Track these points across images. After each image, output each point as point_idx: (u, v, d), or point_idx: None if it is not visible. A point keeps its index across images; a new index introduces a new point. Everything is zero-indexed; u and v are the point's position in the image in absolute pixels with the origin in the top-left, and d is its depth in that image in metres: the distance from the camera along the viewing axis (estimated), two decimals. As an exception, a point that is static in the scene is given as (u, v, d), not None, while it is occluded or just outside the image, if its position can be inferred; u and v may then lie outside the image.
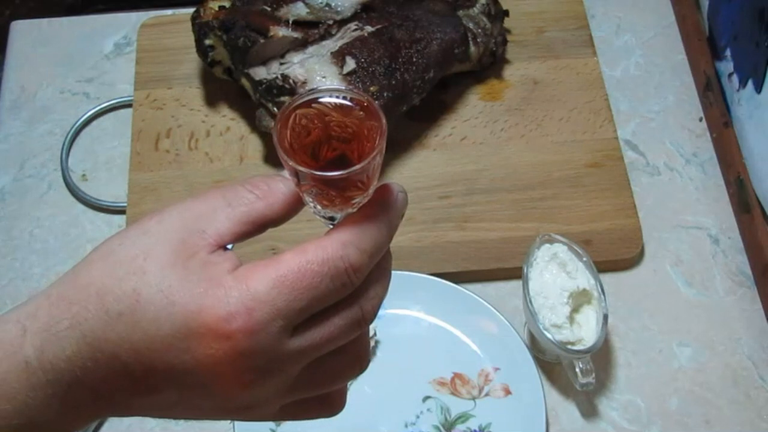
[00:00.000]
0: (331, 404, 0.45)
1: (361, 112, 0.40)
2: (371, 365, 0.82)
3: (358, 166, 0.38)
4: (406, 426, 0.76)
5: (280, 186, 0.42)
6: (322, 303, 0.39)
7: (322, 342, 0.39)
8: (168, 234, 0.39)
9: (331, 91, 0.41)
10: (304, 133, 0.40)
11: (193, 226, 0.40)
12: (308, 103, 0.40)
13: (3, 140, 0.95)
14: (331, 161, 0.40)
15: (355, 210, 0.41)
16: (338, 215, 0.41)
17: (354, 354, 0.42)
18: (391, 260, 0.43)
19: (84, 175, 0.92)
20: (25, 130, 0.95)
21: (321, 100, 0.40)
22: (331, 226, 0.42)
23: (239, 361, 0.37)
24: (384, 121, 0.40)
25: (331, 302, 0.39)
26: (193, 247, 0.39)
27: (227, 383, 0.38)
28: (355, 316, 0.40)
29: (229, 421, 0.76)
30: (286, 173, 0.41)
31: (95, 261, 0.40)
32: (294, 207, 0.42)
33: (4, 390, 0.38)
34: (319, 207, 0.41)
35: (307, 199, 0.41)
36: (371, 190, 0.41)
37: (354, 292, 0.40)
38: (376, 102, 0.40)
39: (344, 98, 0.40)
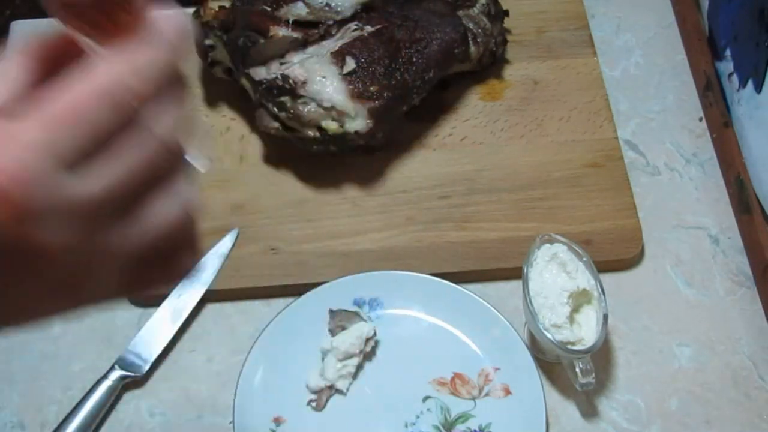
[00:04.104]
0: (174, 266, 0.40)
1: None
2: (371, 365, 0.82)
3: None
4: (406, 426, 0.76)
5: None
6: (102, 135, 0.34)
7: (119, 178, 0.35)
8: None
9: None
10: None
11: None
12: None
13: (3, 140, 0.94)
14: None
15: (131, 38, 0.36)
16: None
17: (171, 191, 0.37)
18: (184, 82, 0.38)
19: (84, 175, 0.92)
20: (25, 130, 0.95)
21: None
22: None
23: (25, 221, 0.32)
24: None
25: (114, 132, 0.34)
26: None
27: (26, 253, 0.33)
28: (148, 142, 0.35)
29: (228, 422, 0.76)
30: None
31: None
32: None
33: None
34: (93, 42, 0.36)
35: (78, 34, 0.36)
36: (140, 13, 0.36)
37: (142, 119, 0.35)
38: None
39: None
